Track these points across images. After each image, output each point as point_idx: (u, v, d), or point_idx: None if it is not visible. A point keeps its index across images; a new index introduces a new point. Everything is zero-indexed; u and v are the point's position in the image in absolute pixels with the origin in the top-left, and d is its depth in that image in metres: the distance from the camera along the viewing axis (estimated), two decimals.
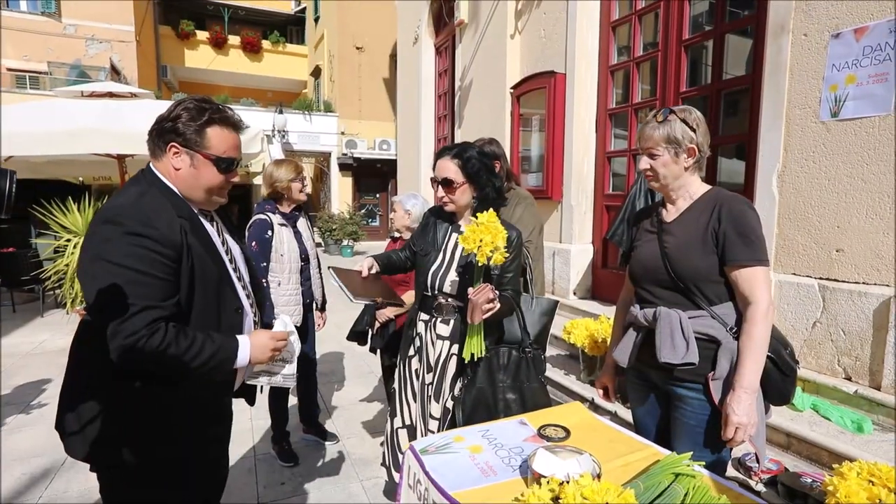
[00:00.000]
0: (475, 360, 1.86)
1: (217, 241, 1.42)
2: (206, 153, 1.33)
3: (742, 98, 3.61)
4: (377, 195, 17.09)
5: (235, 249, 1.51)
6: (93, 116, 5.47)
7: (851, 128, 2.67)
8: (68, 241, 5.37)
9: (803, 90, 2.89)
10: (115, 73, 13.96)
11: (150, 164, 1.38)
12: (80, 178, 10.69)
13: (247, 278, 1.52)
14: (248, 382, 1.54)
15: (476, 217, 1.75)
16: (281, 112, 14.45)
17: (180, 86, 19.59)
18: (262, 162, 10.54)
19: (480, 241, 1.68)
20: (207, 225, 1.42)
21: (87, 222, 5.41)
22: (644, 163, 1.57)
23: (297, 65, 20.69)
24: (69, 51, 14.00)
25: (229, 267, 1.42)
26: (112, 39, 14.41)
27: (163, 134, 1.33)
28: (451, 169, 1.94)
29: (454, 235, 1.99)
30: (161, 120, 1.35)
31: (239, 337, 1.37)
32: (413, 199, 2.90)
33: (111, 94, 6.33)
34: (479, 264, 1.73)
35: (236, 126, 1.40)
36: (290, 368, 1.56)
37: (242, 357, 1.35)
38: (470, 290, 1.77)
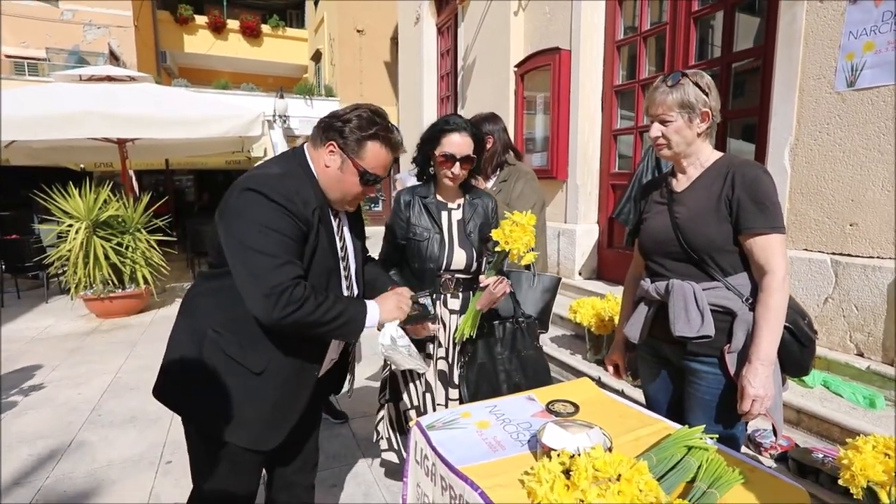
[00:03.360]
0: (466, 337, 1.91)
1: (336, 235, 1.50)
2: (357, 162, 1.39)
3: (752, 72, 3.51)
4: None
5: (349, 247, 1.57)
6: (92, 100, 5.41)
7: (868, 97, 2.58)
8: (70, 226, 5.35)
9: (818, 60, 2.79)
10: (113, 58, 13.80)
11: (306, 147, 1.45)
12: (82, 165, 10.66)
13: (354, 276, 1.59)
14: (386, 353, 1.54)
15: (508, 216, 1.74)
16: (282, 97, 14.27)
17: (180, 72, 19.37)
18: (263, 147, 10.46)
19: (517, 240, 1.69)
20: (332, 219, 1.49)
21: (88, 207, 5.38)
22: (655, 130, 1.49)
23: (297, 49, 20.43)
24: (67, 37, 13.84)
25: (340, 262, 1.51)
26: (110, 25, 14.23)
27: (328, 130, 1.39)
28: (470, 144, 1.91)
29: (445, 214, 2.01)
30: (334, 116, 1.41)
31: (367, 301, 1.46)
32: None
33: (110, 78, 6.26)
34: (507, 259, 1.77)
35: (395, 147, 1.45)
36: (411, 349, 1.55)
37: (372, 317, 1.43)
38: (486, 279, 1.84)
